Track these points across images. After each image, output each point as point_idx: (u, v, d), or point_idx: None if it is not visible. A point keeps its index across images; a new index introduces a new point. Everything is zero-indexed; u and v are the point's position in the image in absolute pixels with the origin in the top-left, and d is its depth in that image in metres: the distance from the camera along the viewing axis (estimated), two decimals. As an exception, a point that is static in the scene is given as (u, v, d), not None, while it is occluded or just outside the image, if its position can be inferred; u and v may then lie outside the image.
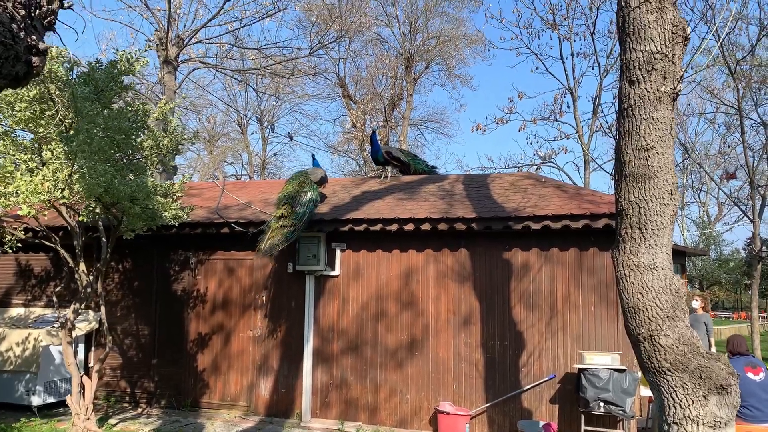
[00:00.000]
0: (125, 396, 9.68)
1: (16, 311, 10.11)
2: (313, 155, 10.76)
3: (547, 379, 7.81)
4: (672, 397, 4.06)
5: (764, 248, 17.61)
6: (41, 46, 3.11)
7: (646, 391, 7.73)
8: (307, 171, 9.32)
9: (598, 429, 7.33)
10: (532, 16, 29.38)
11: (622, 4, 4.57)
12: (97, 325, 9.39)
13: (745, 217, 23.73)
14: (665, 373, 4.12)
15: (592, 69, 24.94)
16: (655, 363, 4.21)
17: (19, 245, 7.96)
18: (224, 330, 9.32)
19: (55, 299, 8.05)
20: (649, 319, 4.40)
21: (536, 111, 38.66)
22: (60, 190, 5.49)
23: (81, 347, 9.59)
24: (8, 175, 5.61)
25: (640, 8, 4.46)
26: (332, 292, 8.84)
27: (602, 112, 20.93)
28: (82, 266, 7.24)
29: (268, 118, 32.90)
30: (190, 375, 9.40)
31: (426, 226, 8.18)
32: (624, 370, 7.18)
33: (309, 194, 8.60)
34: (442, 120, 32.73)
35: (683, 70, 4.54)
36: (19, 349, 8.99)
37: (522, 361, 7.95)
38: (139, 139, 7.23)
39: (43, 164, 5.68)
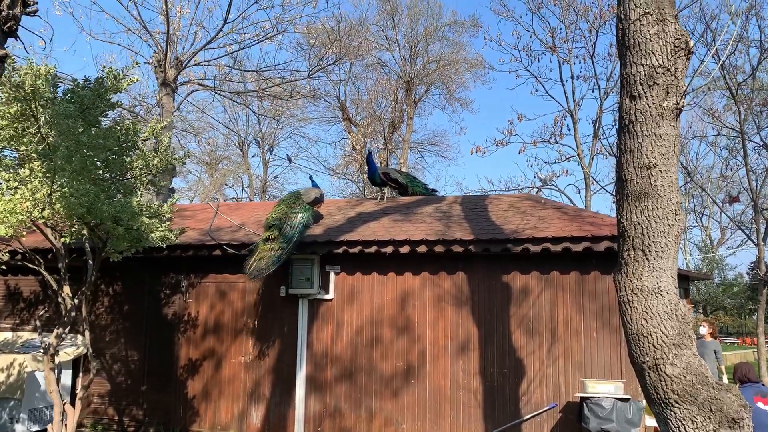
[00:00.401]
0: (113, 423, 9.37)
1: (3, 336, 9.84)
2: (311, 177, 10.57)
3: (548, 408, 7.51)
4: (680, 431, 3.80)
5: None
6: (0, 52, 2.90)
7: (651, 422, 7.41)
8: (300, 191, 9.13)
9: (601, 461, 7.01)
10: (531, 39, 29.36)
11: (622, 16, 4.40)
12: (86, 350, 9.12)
13: (749, 241, 23.45)
14: (672, 405, 3.85)
15: (593, 92, 24.96)
16: (661, 394, 3.94)
17: (4, 267, 7.74)
18: (215, 355, 9.04)
19: (38, 323, 7.80)
20: (654, 346, 4.16)
21: (536, 133, 38.51)
22: (40, 210, 5.29)
23: (68, 373, 9.30)
24: (-12, 194, 5.42)
25: (640, 21, 4.28)
26: (326, 316, 8.58)
27: (603, 134, 20.82)
28: (67, 290, 7.00)
29: (269, 141, 32.90)
30: (179, 402, 9.11)
31: (422, 248, 7.95)
32: (628, 399, 6.89)
33: (300, 215, 8.40)
34: (443, 143, 32.67)
35: (686, 85, 4.35)
36: (3, 375, 8.71)
37: (522, 390, 7.65)
38: (128, 159, 7.06)
39: (22, 183, 5.49)
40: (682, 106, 4.28)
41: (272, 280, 8.72)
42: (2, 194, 5.39)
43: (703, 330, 11.04)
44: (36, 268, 7.11)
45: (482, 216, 8.81)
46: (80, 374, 9.58)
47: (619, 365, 7.34)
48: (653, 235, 4.23)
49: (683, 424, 3.78)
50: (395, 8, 28.69)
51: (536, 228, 7.91)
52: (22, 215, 5.19)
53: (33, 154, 5.24)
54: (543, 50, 22.05)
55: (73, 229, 6.00)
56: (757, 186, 19.85)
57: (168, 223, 7.38)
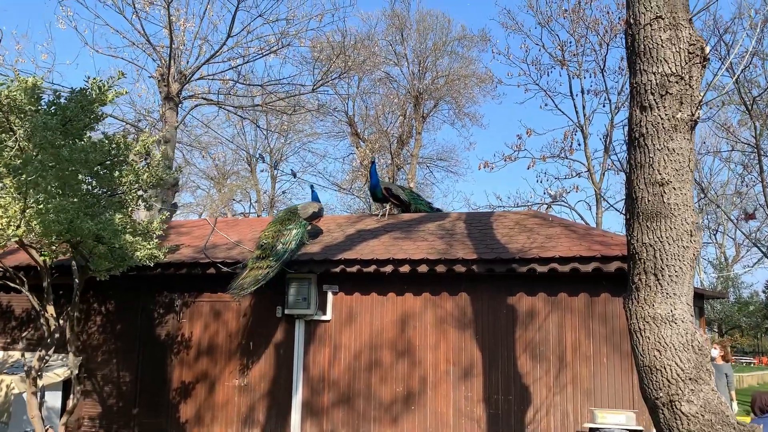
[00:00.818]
0: (103, 448, 9.03)
1: (-7, 355, 9.57)
2: (312, 186, 10.21)
3: (555, 438, 7.10)
4: (698, 479, 3.41)
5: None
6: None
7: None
8: (297, 207, 8.82)
9: (612, 496, 6.58)
10: (541, 53, 29.06)
11: (632, 21, 4.06)
12: (77, 371, 8.81)
13: (765, 259, 22.88)
14: (689, 449, 3.47)
15: (603, 106, 24.64)
16: (676, 436, 3.57)
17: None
18: (209, 378, 8.70)
19: (21, 345, 7.51)
20: (669, 381, 3.78)
21: (546, 148, 38.05)
22: (14, 228, 5.01)
23: (57, 395, 8.99)
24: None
25: (651, 25, 3.94)
26: (323, 338, 8.22)
27: (614, 149, 20.41)
28: (51, 310, 6.71)
29: (276, 157, 32.74)
30: (172, 426, 8.75)
31: (423, 268, 7.59)
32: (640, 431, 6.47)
33: (294, 232, 8.09)
34: (452, 158, 32.30)
35: (701, 95, 4.00)
36: (-11, 396, 8.40)
37: (528, 418, 7.24)
38: (116, 174, 6.78)
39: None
40: (698, 118, 3.92)
41: (268, 300, 8.39)
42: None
43: (715, 353, 10.61)
44: (17, 287, 6.82)
45: (487, 234, 8.45)
46: (71, 396, 9.26)
47: (631, 394, 6.91)
48: (666, 258, 3.87)
49: (702, 472, 3.40)
50: (404, 23, 28.58)
51: (543, 247, 7.53)
52: (-5, 233, 4.91)
53: (3, 170, 4.97)
54: (552, 64, 21.73)
55: (53, 248, 5.70)
56: (773, 203, 19.32)
57: (156, 241, 7.07)
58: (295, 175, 19.75)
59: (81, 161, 5.56)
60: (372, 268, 7.75)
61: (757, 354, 44.67)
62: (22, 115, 5.26)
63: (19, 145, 5.17)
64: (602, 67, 20.21)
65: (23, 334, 9.74)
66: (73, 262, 6.91)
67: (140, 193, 7.37)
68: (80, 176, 5.93)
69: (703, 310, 16.07)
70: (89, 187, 6.77)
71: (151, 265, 7.03)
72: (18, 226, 4.98)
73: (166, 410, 8.81)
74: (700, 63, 3.91)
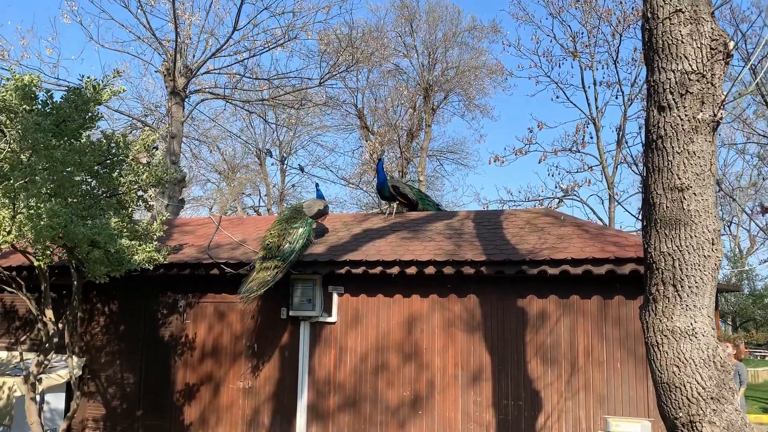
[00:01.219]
0: (107, 450, 8.92)
1: (-3, 355, 9.48)
2: (317, 185, 10.06)
3: (567, 445, 6.88)
4: None
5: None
6: None
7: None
8: (302, 205, 8.63)
9: (626, 506, 6.36)
10: (552, 44, 28.65)
11: (649, 15, 3.79)
12: (80, 372, 8.71)
13: (782, 252, 22.46)
14: (712, 477, 3.25)
15: (616, 98, 24.09)
16: (698, 462, 3.34)
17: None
18: (213, 380, 8.55)
19: (25, 346, 7.38)
20: (689, 400, 3.55)
21: (557, 142, 37.61)
22: (5, 233, 4.84)
23: (61, 396, 8.88)
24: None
25: (670, 19, 3.68)
26: (329, 340, 8.04)
27: (627, 143, 20.03)
28: (49, 313, 6.56)
29: (285, 150, 32.57)
30: (176, 428, 8.62)
31: (430, 270, 7.37)
32: (656, 440, 6.24)
33: (300, 230, 7.90)
34: (462, 151, 31.96)
35: (725, 94, 3.74)
36: (-9, 399, 8.32)
37: (539, 425, 7.02)
38: (115, 174, 6.61)
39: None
40: (720, 119, 3.66)
41: (273, 301, 8.22)
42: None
43: (727, 351, 10.42)
44: (14, 291, 6.68)
45: (496, 234, 8.21)
46: (74, 398, 9.17)
47: (646, 401, 6.68)
48: (686, 268, 3.63)
49: (726, 502, 3.18)
50: (413, 14, 28.24)
51: (554, 248, 7.29)
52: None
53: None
54: (564, 55, 21.35)
55: (48, 252, 5.54)
56: (790, 196, 18.92)
57: (155, 243, 6.90)
58: (303, 170, 19.48)
59: (75, 163, 5.38)
60: (378, 270, 7.54)
61: (772, 347, 44.11)
62: (13, 116, 5.09)
63: (10, 147, 5.00)
64: (615, 58, 19.86)
65: (27, 334, 9.65)
66: (72, 263, 6.76)
67: (140, 193, 7.21)
68: (78, 177, 5.76)
69: (718, 303, 15.76)
70: (89, 187, 6.61)
71: (151, 268, 6.87)
72: (9, 232, 4.82)
73: (170, 412, 8.68)
74: (723, 60, 3.65)
